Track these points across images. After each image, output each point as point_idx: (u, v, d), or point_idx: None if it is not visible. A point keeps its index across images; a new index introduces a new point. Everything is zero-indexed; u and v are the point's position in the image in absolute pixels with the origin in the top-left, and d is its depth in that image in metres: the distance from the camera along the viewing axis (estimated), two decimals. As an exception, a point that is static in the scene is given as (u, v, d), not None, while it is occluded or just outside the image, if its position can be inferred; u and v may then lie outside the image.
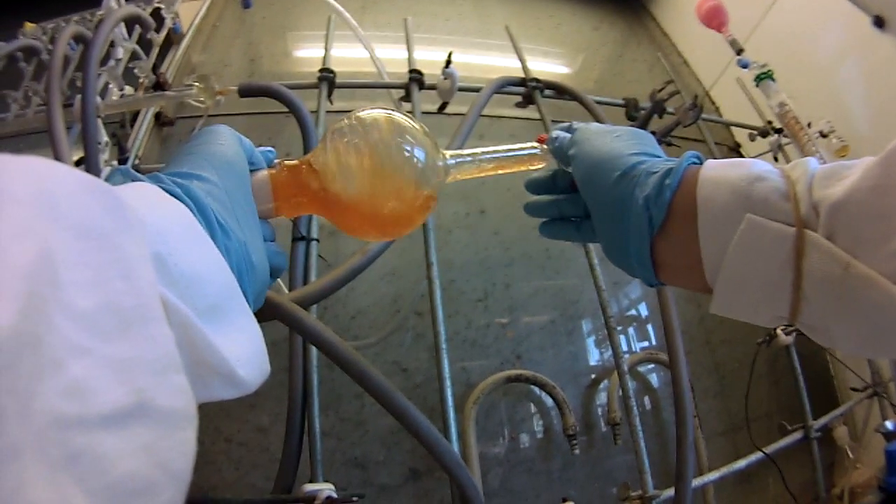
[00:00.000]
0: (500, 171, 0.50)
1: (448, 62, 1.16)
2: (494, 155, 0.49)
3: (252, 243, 0.36)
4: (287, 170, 0.43)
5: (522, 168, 0.51)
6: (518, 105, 1.34)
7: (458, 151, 0.48)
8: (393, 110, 0.45)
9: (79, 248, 0.21)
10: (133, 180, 0.32)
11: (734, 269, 0.35)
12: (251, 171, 0.42)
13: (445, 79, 1.17)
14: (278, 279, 0.97)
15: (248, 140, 0.43)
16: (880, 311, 0.30)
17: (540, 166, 0.51)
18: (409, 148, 0.42)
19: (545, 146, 0.50)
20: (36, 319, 0.17)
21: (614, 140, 0.44)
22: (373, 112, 0.43)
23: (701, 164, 0.39)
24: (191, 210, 0.31)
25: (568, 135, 0.48)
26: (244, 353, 0.30)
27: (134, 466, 0.19)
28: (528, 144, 0.51)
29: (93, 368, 0.19)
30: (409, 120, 0.44)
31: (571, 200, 0.49)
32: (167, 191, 0.32)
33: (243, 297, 0.32)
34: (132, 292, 0.22)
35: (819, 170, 0.35)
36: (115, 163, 1.12)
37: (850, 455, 1.39)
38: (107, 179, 0.28)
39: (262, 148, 0.45)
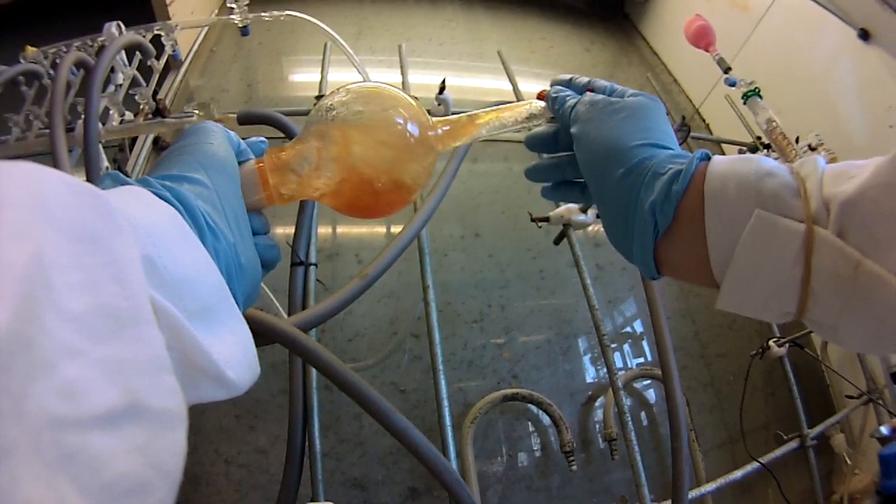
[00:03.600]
0: (496, 132, 0.46)
1: (442, 88, 1.18)
2: (489, 118, 0.46)
3: (241, 244, 0.36)
4: (275, 157, 0.41)
5: (520, 125, 0.47)
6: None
7: (448, 118, 0.45)
8: (380, 82, 0.43)
9: (70, 250, 0.21)
10: (123, 184, 0.32)
11: (743, 266, 0.34)
12: (239, 163, 0.40)
13: (439, 104, 1.19)
14: (277, 305, 0.99)
15: (235, 134, 0.42)
16: (890, 310, 0.30)
17: (538, 124, 0.48)
18: (400, 120, 0.40)
19: (544, 104, 0.47)
20: (29, 321, 0.17)
21: (619, 123, 0.41)
22: (360, 85, 0.42)
23: (709, 160, 0.38)
24: (180, 213, 0.31)
25: (569, 95, 0.46)
26: (233, 354, 0.30)
27: (127, 466, 0.19)
28: (526, 102, 0.47)
29: (85, 369, 0.19)
30: (397, 91, 0.42)
31: (575, 161, 0.45)
32: (156, 194, 0.32)
33: (233, 299, 0.32)
34: (123, 294, 0.22)
35: (828, 167, 0.34)
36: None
37: (849, 462, 1.39)
38: (97, 184, 0.28)
39: (253, 139, 0.44)
